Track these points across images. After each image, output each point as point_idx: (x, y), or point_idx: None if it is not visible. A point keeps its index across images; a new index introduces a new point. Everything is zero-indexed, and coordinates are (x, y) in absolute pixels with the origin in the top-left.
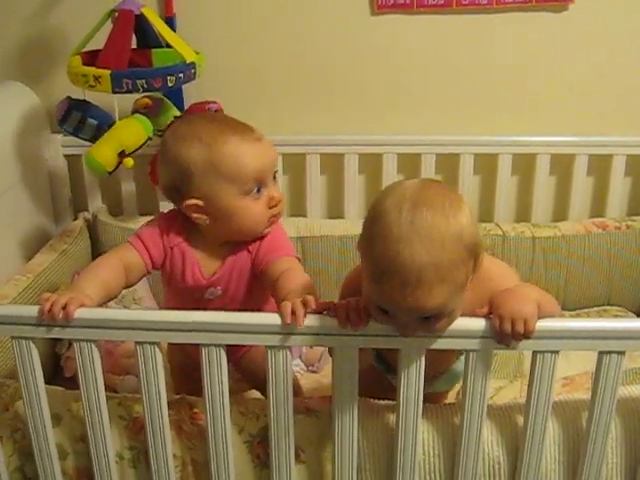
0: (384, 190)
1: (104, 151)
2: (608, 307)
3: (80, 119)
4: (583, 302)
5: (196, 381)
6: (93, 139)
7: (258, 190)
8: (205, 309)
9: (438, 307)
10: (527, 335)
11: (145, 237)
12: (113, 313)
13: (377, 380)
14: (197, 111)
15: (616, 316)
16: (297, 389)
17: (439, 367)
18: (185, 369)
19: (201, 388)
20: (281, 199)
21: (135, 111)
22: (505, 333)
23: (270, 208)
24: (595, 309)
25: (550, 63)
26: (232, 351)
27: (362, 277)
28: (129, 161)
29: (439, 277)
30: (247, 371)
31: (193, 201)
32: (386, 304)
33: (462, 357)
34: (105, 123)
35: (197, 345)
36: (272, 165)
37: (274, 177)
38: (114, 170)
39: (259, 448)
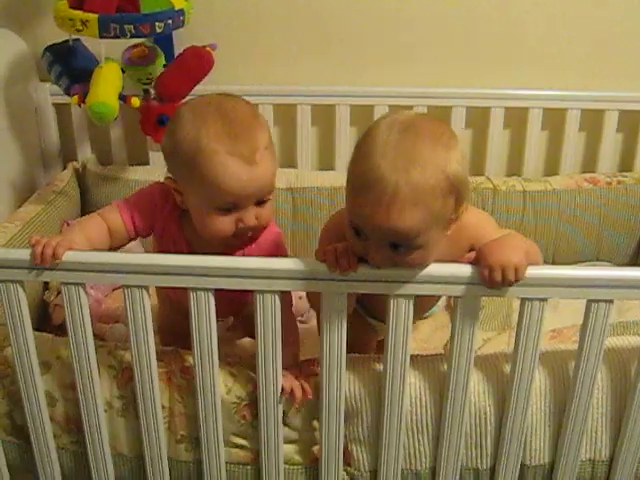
0: (382, 115)
1: (110, 95)
2: (597, 262)
3: (60, 71)
4: (572, 257)
5: (185, 339)
6: (75, 85)
7: (229, 210)
8: None
9: (408, 231)
10: (517, 281)
11: (134, 204)
12: (102, 256)
13: (361, 325)
14: (195, 50)
15: None
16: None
17: (422, 311)
18: (174, 328)
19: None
20: (255, 225)
21: (129, 59)
22: (495, 282)
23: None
24: (585, 264)
25: (544, 17)
26: (234, 300)
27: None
28: (136, 100)
29: (414, 199)
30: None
31: (170, 178)
32: (360, 220)
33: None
34: (89, 66)
35: (185, 289)
36: (256, 193)
37: (261, 201)
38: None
39: (245, 409)
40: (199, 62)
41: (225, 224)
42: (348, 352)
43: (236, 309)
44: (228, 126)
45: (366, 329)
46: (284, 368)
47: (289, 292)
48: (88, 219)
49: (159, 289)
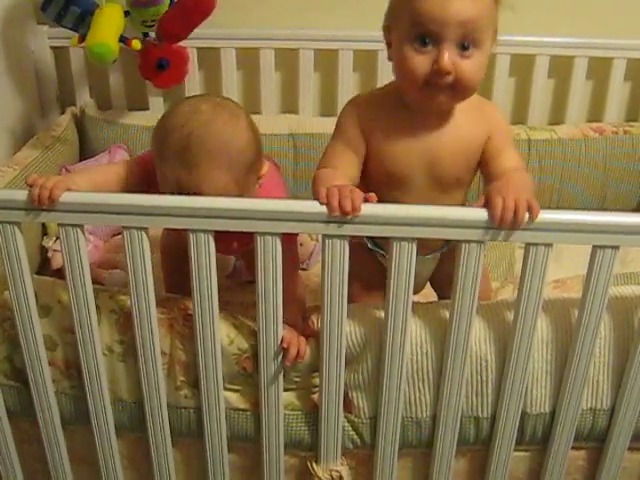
0: None
1: (110, 37)
2: (602, 211)
3: (63, 5)
4: (577, 206)
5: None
6: (75, 27)
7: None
8: None
9: (481, 16)
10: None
11: (151, 157)
12: (100, 197)
13: (367, 260)
14: None
15: None
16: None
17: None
18: (178, 269)
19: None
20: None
21: (136, 0)
22: (508, 222)
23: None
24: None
25: None
26: (242, 245)
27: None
28: (137, 43)
29: None
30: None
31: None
32: (432, 19)
33: None
34: (87, 11)
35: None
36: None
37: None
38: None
39: (246, 361)
40: (199, 4)
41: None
42: (351, 286)
43: (238, 251)
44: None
45: (369, 260)
46: (287, 324)
47: (293, 248)
48: (100, 165)
49: (163, 237)
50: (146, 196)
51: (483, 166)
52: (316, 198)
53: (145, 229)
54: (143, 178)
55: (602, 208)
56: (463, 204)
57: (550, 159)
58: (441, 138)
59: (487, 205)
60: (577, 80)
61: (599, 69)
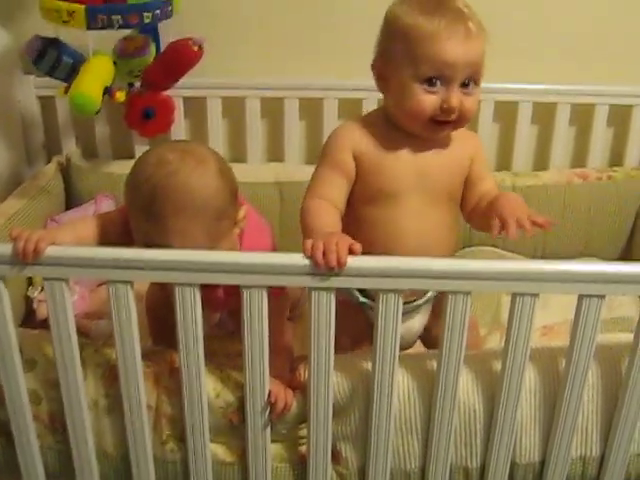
0: None
1: (93, 88)
2: (586, 258)
3: (56, 58)
4: (562, 252)
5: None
6: (67, 78)
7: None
8: None
9: (481, 57)
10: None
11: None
12: (85, 250)
13: (355, 314)
14: (182, 46)
15: None
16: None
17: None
18: (164, 322)
19: None
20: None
21: (123, 50)
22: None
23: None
24: (574, 260)
25: (532, 10)
26: (222, 299)
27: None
28: (121, 95)
29: (479, 27)
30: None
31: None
32: (439, 62)
33: None
34: (78, 62)
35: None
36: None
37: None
38: (100, 108)
39: (233, 414)
40: (183, 57)
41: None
42: (338, 337)
43: (223, 305)
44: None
45: (357, 314)
46: (273, 376)
47: (281, 296)
48: (84, 218)
49: (148, 289)
50: (131, 250)
51: (466, 188)
52: (304, 242)
53: (130, 283)
54: (126, 227)
55: (588, 254)
56: (456, 219)
57: (535, 205)
58: (431, 155)
59: (500, 223)
60: (560, 126)
61: (582, 115)
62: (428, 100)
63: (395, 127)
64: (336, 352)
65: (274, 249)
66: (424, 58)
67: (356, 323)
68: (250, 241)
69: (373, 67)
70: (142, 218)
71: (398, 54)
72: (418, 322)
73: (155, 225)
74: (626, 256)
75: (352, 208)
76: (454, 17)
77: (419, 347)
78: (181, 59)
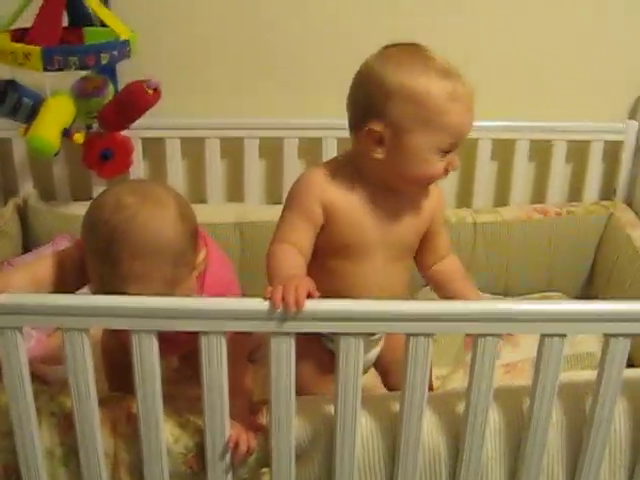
0: None
1: (50, 130)
2: (549, 293)
3: (17, 100)
4: (524, 288)
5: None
6: (27, 120)
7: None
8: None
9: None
10: None
11: None
12: (38, 298)
13: (315, 346)
14: (136, 89)
15: None
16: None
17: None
18: (120, 366)
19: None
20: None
21: (81, 90)
22: None
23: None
24: (536, 295)
25: (490, 48)
26: (180, 343)
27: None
28: (80, 136)
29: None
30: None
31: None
32: (456, 133)
33: None
34: (38, 102)
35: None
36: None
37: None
38: (59, 150)
39: (193, 460)
40: (137, 100)
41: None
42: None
43: (182, 350)
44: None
45: (318, 346)
46: (234, 418)
47: (241, 340)
48: (41, 258)
49: (103, 333)
50: (86, 297)
51: (423, 240)
52: (268, 279)
53: (85, 330)
54: (84, 263)
55: (549, 288)
56: (409, 272)
57: (496, 241)
58: (398, 210)
59: None
60: (519, 162)
61: (541, 151)
62: (440, 165)
63: (364, 179)
64: (299, 385)
65: (237, 285)
66: (448, 129)
67: (317, 354)
68: (214, 276)
69: (370, 132)
70: (98, 261)
71: (413, 122)
72: (373, 353)
73: (111, 269)
74: (588, 289)
75: (316, 258)
76: (462, 82)
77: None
78: (135, 102)
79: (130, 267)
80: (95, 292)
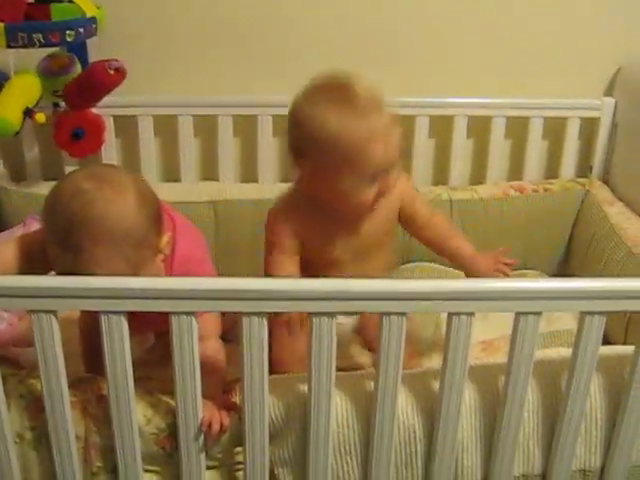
0: None
1: (10, 109)
2: (525, 271)
3: None
4: None
5: None
6: None
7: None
8: None
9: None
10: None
11: None
12: (4, 280)
13: None
14: (98, 70)
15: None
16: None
17: None
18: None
19: None
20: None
21: (47, 69)
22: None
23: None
24: (513, 273)
25: (466, 24)
26: (152, 321)
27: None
28: (41, 116)
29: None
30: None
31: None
32: (379, 162)
33: None
34: (1, 81)
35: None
36: None
37: None
38: (20, 130)
39: (165, 441)
40: (98, 80)
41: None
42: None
43: (156, 328)
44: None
45: None
46: (207, 397)
47: (213, 319)
48: (7, 241)
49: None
50: (53, 278)
51: (405, 224)
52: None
53: (54, 312)
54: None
55: (525, 267)
56: (392, 245)
57: (472, 219)
58: (361, 222)
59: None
60: (496, 140)
61: (517, 128)
62: (372, 192)
63: (319, 208)
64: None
65: (211, 264)
66: (368, 165)
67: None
68: (183, 256)
69: (299, 166)
70: (59, 248)
71: (337, 162)
72: (351, 323)
73: (73, 256)
74: (564, 267)
75: (305, 270)
76: (381, 115)
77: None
78: (97, 82)
79: (92, 253)
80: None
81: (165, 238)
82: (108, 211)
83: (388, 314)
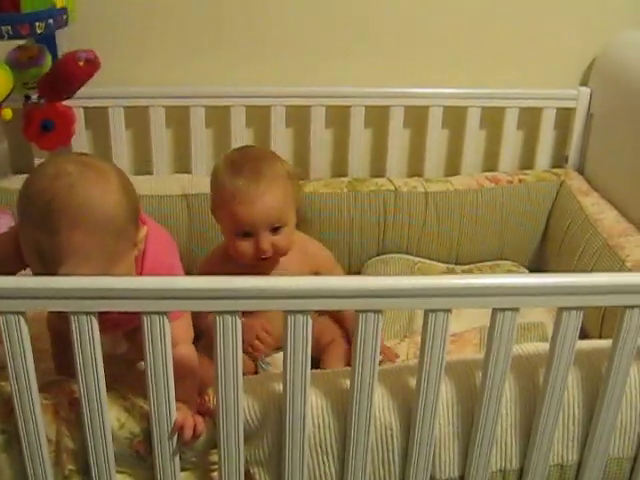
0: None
1: None
2: (501, 262)
3: None
4: (476, 256)
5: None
6: None
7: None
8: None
9: (278, 205)
10: None
11: None
12: None
13: None
14: (68, 61)
15: (509, 271)
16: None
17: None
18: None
19: None
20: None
21: (16, 60)
22: None
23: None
24: (488, 263)
25: (442, 14)
26: (123, 321)
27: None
28: (7, 112)
29: (269, 186)
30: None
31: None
32: (247, 221)
33: None
34: None
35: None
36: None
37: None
38: None
39: (139, 445)
40: (69, 72)
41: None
42: None
43: (127, 328)
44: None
45: None
46: (180, 401)
47: (185, 321)
48: None
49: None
50: (21, 279)
51: None
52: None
53: (22, 313)
54: (19, 250)
55: (501, 257)
56: None
57: (447, 211)
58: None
59: None
60: (471, 130)
61: (492, 119)
62: (245, 246)
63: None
64: None
65: (180, 269)
66: (233, 219)
67: None
68: (154, 260)
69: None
70: (35, 233)
71: (217, 208)
72: None
73: (49, 240)
74: (540, 258)
75: None
76: (248, 177)
77: None
78: (67, 74)
79: (69, 239)
80: (32, 271)
81: (143, 232)
82: (90, 196)
83: (364, 311)
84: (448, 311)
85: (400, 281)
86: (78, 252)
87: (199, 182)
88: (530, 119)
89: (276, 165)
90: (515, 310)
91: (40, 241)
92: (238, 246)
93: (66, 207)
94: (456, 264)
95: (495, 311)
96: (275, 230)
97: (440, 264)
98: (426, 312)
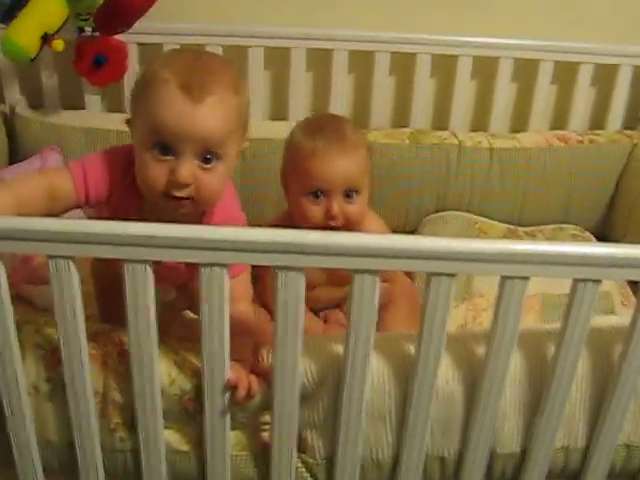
0: None
1: (25, 34)
2: (564, 225)
3: None
4: (539, 218)
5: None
6: (6, 20)
7: (163, 152)
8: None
9: (358, 170)
10: None
11: (91, 169)
12: (20, 222)
13: None
14: None
15: (573, 235)
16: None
17: None
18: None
19: None
20: (186, 183)
21: None
22: None
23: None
24: (551, 227)
25: None
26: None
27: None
28: (59, 43)
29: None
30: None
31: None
32: (320, 178)
33: None
34: (20, 1)
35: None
36: (194, 138)
37: (206, 159)
38: (37, 56)
39: (189, 402)
40: (125, 3)
41: (156, 171)
42: None
43: (180, 283)
44: (196, 61)
45: None
46: (234, 360)
47: (245, 276)
48: (26, 177)
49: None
50: (75, 222)
51: None
52: None
53: (72, 258)
54: (77, 186)
55: (566, 219)
56: None
57: (513, 169)
58: None
59: None
60: (542, 85)
61: (565, 74)
62: (314, 210)
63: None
64: None
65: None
66: (308, 173)
67: None
68: (224, 212)
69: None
70: (178, 95)
71: (289, 169)
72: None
73: (192, 105)
74: (605, 224)
75: None
76: (330, 137)
77: None
78: (124, 5)
79: (222, 74)
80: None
81: (246, 145)
82: (226, 66)
83: (437, 274)
84: (526, 279)
85: (472, 244)
86: (218, 124)
87: (255, 127)
88: (604, 76)
89: (359, 132)
90: (597, 282)
91: (180, 108)
92: (307, 210)
93: (209, 68)
94: (518, 225)
95: (576, 281)
96: (348, 197)
97: (501, 224)
98: (502, 279)
